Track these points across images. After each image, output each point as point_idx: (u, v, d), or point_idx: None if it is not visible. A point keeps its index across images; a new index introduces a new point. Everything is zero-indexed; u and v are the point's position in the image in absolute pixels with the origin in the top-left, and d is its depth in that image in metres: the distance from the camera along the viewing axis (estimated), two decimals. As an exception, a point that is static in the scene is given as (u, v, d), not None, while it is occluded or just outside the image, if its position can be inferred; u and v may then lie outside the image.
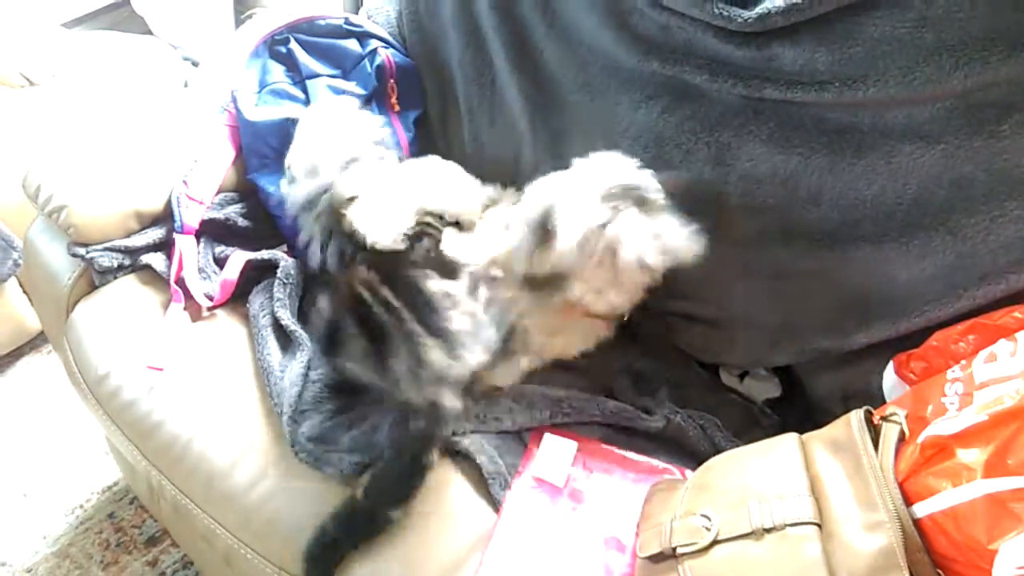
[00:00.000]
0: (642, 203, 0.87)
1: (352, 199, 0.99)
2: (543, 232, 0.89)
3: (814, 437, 0.76)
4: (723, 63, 0.92)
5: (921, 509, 0.65)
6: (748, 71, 0.90)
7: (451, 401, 0.88)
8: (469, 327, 0.89)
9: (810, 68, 0.86)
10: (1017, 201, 0.79)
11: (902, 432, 0.71)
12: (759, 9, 0.86)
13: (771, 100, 0.90)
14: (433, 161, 1.12)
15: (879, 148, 0.85)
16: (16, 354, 1.84)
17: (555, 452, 0.91)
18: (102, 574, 1.42)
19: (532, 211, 0.91)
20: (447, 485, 0.91)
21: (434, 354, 0.86)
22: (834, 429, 0.75)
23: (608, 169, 0.91)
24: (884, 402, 0.84)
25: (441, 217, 1.01)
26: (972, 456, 0.63)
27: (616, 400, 0.98)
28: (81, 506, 1.53)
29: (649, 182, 0.89)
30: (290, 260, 1.15)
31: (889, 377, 0.88)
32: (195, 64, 2.15)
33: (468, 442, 0.92)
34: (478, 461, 0.91)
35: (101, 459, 1.59)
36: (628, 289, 0.93)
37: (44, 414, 1.70)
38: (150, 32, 2.27)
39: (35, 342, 1.85)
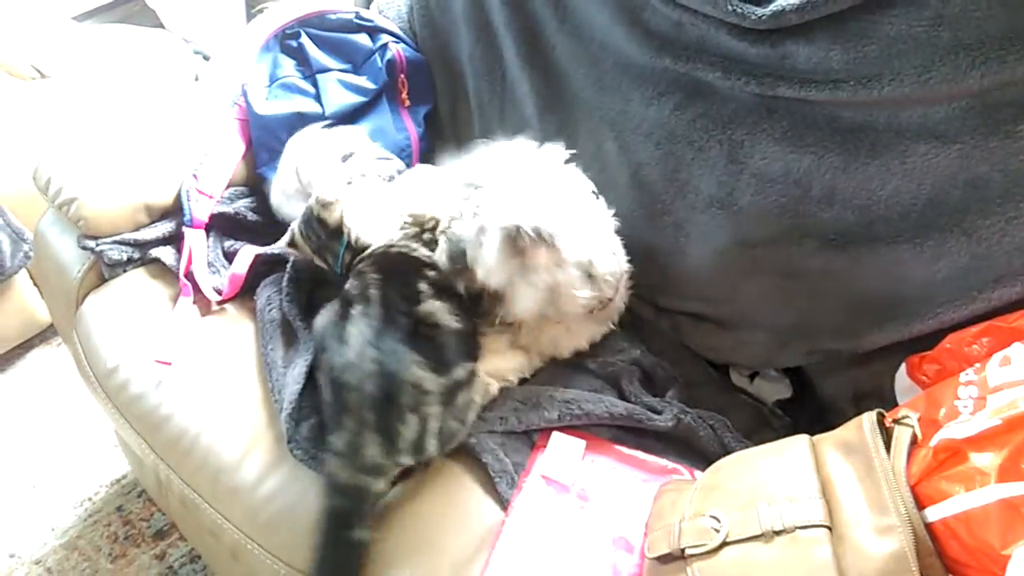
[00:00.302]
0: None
1: (331, 204, 0.99)
2: (462, 265, 0.90)
3: (825, 439, 0.76)
4: (736, 60, 0.92)
5: (933, 513, 0.64)
6: (761, 69, 0.90)
7: (378, 487, 0.86)
8: (415, 434, 0.87)
9: (824, 66, 0.85)
10: (1033, 203, 0.78)
11: (914, 435, 0.70)
12: (773, 6, 0.85)
13: (785, 98, 0.89)
14: (423, 169, 1.13)
15: (894, 148, 0.84)
16: (26, 346, 1.85)
17: (563, 451, 0.90)
18: (110, 567, 1.43)
19: (450, 239, 0.92)
20: (454, 483, 0.91)
21: (370, 449, 0.86)
22: (845, 431, 0.75)
23: (513, 208, 0.86)
24: (896, 404, 0.83)
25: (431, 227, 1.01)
26: (986, 460, 0.63)
27: (624, 399, 0.98)
28: (90, 499, 1.54)
29: (553, 221, 0.85)
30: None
31: (902, 379, 0.88)
32: (206, 58, 2.16)
33: (474, 441, 0.91)
34: (483, 460, 0.90)
35: (110, 452, 1.60)
36: (573, 303, 0.92)
37: (53, 406, 1.71)
38: (161, 26, 2.28)
39: (45, 334, 1.86)
